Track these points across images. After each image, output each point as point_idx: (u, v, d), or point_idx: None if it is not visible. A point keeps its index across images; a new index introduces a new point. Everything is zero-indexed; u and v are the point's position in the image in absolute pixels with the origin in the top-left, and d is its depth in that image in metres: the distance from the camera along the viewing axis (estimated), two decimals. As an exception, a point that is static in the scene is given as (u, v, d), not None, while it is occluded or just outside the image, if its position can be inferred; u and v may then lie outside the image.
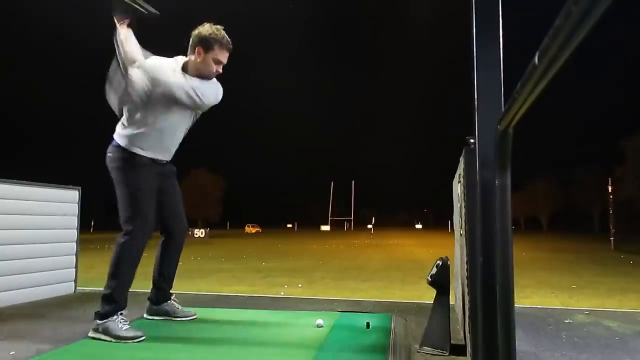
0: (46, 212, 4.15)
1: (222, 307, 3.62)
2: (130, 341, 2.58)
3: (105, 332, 2.64)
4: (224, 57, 2.98)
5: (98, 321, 2.68)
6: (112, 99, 2.97)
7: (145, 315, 3.17)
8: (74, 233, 4.42)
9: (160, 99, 2.84)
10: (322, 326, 2.88)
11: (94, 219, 52.38)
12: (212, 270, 9.49)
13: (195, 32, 2.97)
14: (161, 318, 3.14)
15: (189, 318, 3.15)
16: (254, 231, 59.24)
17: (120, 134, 2.91)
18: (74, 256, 4.41)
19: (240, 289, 6.63)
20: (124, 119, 2.93)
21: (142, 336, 2.63)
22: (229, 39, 2.98)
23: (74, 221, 4.43)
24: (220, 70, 3.00)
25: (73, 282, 4.37)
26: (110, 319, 2.67)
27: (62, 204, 4.32)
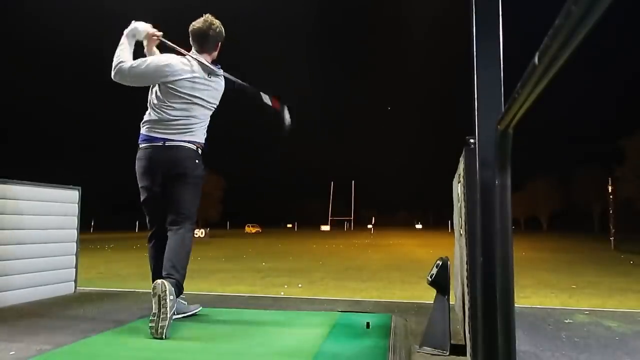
0: (46, 212, 4.15)
1: (222, 307, 3.62)
2: (196, 311, 3.22)
3: (179, 311, 2.97)
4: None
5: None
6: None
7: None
8: (74, 233, 4.42)
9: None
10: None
11: (94, 219, 52.36)
12: (212, 270, 9.49)
13: (219, 28, 3.26)
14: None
15: (194, 312, 3.22)
16: (254, 231, 59.21)
17: (202, 138, 3.30)
18: (74, 256, 4.41)
19: (241, 289, 6.63)
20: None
21: (199, 307, 3.28)
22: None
23: (74, 221, 4.43)
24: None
25: (73, 282, 4.37)
26: (177, 299, 2.90)
27: (62, 204, 4.32)
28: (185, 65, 3.13)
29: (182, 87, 3.10)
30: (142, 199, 3.22)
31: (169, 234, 3.12)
